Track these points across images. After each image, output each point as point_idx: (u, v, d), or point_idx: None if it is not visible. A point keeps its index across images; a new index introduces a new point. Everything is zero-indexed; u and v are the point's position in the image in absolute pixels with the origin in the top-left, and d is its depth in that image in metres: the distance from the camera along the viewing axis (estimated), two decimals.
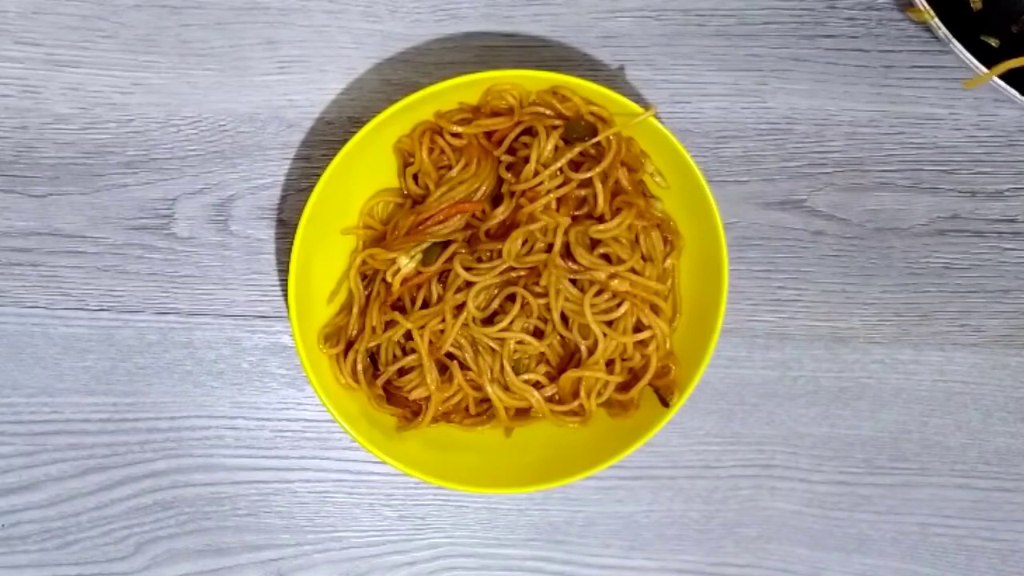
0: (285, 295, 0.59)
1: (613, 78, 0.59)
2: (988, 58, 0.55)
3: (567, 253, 0.55)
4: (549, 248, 0.55)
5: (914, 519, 0.63)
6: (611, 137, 0.55)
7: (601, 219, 0.55)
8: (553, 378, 0.58)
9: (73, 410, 0.61)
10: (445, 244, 0.56)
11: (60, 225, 0.60)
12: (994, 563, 0.63)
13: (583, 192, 0.56)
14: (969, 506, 0.62)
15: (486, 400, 0.58)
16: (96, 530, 0.62)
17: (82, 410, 0.61)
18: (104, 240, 0.60)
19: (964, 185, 0.60)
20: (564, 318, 0.56)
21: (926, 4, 0.54)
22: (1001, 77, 0.54)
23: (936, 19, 0.54)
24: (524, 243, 0.56)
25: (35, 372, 0.61)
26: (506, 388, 0.57)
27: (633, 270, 0.56)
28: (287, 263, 0.54)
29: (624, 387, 0.58)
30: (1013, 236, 0.61)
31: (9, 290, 0.60)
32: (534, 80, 0.54)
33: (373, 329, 0.57)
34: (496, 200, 0.57)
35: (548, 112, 0.56)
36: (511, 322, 0.56)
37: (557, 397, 0.58)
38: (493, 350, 0.57)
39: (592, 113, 0.55)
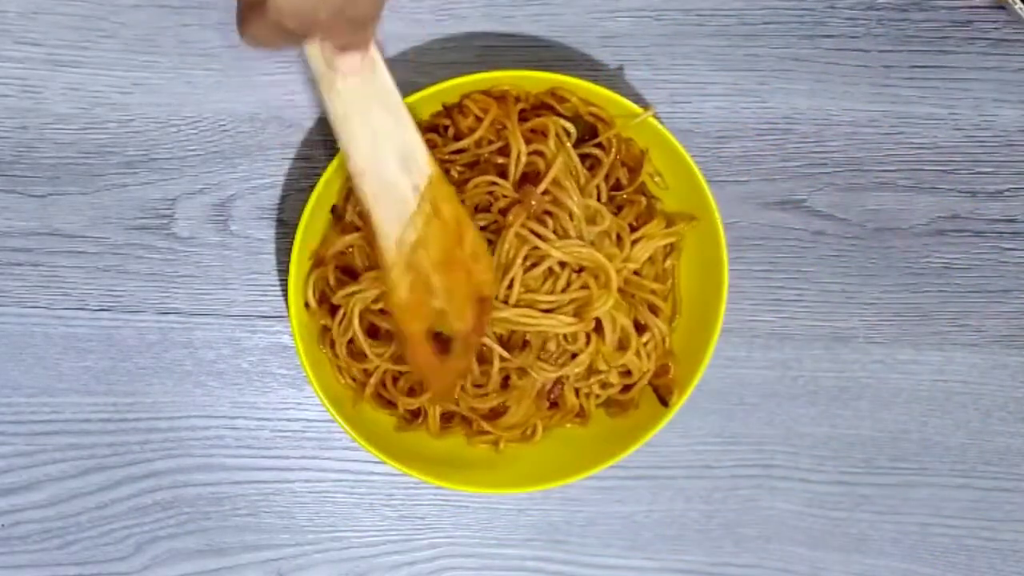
0: (285, 295, 0.59)
1: (613, 78, 0.59)
2: None
3: None
4: None
5: (914, 519, 0.62)
6: (611, 137, 0.55)
7: None
8: None
9: (73, 410, 0.61)
10: None
11: (60, 225, 0.60)
12: (994, 563, 0.63)
13: None
14: (969, 506, 0.62)
15: None
16: (96, 530, 0.62)
17: (82, 410, 0.61)
18: (104, 240, 0.60)
19: (964, 185, 0.60)
20: None
21: None
22: None
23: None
24: None
25: (35, 372, 0.61)
26: None
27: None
28: (287, 263, 0.54)
29: (624, 387, 0.58)
30: (1013, 236, 0.61)
31: (9, 290, 0.60)
32: (534, 80, 0.54)
33: None
34: None
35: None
36: None
37: None
38: None
39: (591, 114, 0.55)
